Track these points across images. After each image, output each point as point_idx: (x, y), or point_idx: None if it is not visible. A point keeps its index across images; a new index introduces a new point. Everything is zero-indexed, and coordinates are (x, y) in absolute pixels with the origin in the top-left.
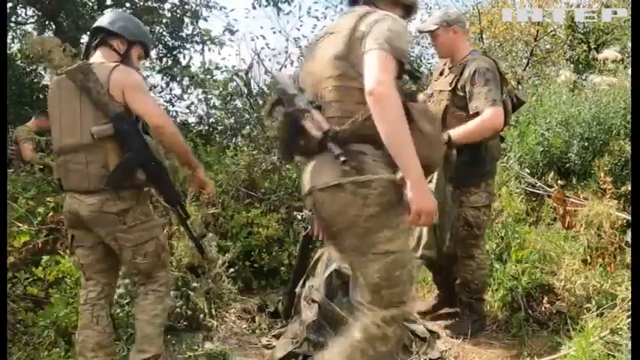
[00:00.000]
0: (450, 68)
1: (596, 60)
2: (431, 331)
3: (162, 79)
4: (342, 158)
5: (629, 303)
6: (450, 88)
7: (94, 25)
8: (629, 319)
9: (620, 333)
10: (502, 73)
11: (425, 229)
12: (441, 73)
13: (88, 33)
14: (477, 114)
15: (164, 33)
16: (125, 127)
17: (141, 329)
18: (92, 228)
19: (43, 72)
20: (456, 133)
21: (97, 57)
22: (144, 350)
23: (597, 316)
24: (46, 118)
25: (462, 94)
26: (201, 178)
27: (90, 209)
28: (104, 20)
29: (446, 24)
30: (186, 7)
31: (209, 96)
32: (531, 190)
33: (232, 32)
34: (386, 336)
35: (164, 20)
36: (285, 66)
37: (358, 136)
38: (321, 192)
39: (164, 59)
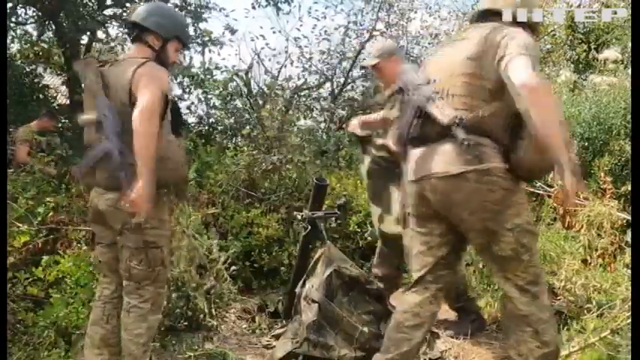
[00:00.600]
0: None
1: (597, 60)
2: (431, 331)
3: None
4: (467, 142)
5: (629, 303)
6: None
7: (128, 19)
8: (629, 319)
9: (620, 333)
10: None
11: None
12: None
13: (88, 33)
14: None
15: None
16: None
17: (125, 347)
18: (108, 222)
19: (43, 72)
20: None
21: (132, 52)
22: None
23: (597, 316)
24: (49, 119)
25: None
26: (134, 196)
27: (107, 204)
28: (137, 15)
29: (387, 55)
30: (188, 7)
31: (209, 96)
32: (531, 189)
33: (232, 32)
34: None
35: None
36: (285, 66)
37: (478, 129)
38: (439, 180)
39: None
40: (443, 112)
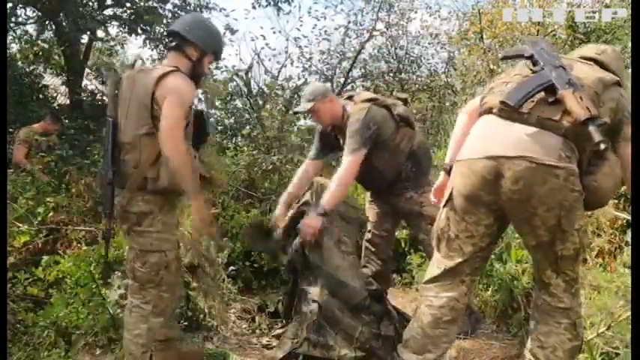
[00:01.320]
0: (338, 132)
1: None
2: None
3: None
4: (603, 146)
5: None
6: None
7: (170, 28)
8: (629, 319)
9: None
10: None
11: None
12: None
13: (88, 33)
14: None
15: (165, 33)
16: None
17: (126, 346)
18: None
19: (42, 72)
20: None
21: (168, 60)
22: None
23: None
24: (52, 121)
25: None
26: (197, 210)
27: (120, 204)
28: (181, 25)
29: (321, 96)
30: (188, 8)
31: (209, 96)
32: None
33: (232, 32)
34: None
35: (165, 20)
36: (285, 66)
37: (578, 139)
38: (529, 166)
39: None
40: (582, 105)
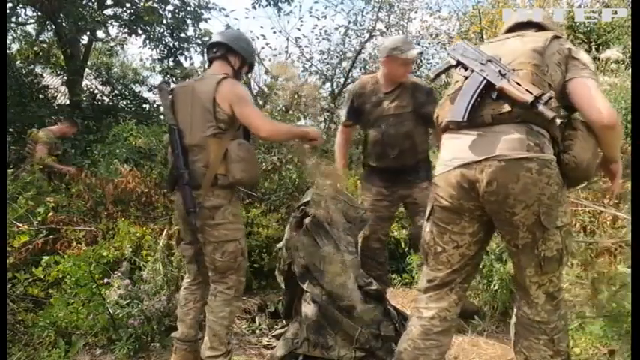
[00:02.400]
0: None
1: (598, 60)
2: None
3: (164, 79)
4: (559, 121)
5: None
6: None
7: (215, 39)
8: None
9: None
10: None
11: None
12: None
13: (88, 33)
14: None
15: (165, 34)
16: (173, 137)
17: (210, 328)
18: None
19: (42, 72)
20: None
21: (214, 68)
22: (214, 347)
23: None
24: (69, 125)
25: None
26: (308, 131)
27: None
28: (227, 38)
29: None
30: (188, 8)
31: None
32: None
33: None
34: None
35: (165, 21)
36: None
37: (539, 119)
38: (499, 166)
39: (165, 60)
40: (521, 90)
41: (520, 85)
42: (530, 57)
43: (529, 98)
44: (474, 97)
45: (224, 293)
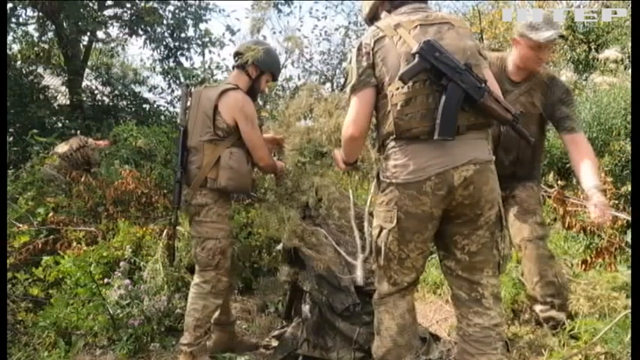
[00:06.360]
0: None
1: (597, 60)
2: (431, 333)
3: (165, 79)
4: (533, 140)
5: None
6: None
7: (237, 49)
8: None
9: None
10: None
11: None
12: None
13: (89, 33)
14: None
15: (165, 34)
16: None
17: (185, 319)
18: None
19: (43, 72)
20: None
21: (232, 77)
22: (184, 336)
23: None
24: (108, 140)
25: None
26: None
27: (185, 198)
28: (243, 46)
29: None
30: (189, 9)
31: None
32: None
33: (233, 33)
34: None
35: (166, 22)
36: (286, 66)
37: (492, 126)
38: (476, 170)
39: (165, 61)
40: (501, 108)
41: (499, 103)
42: (475, 48)
43: (510, 117)
44: (456, 111)
45: (199, 286)
